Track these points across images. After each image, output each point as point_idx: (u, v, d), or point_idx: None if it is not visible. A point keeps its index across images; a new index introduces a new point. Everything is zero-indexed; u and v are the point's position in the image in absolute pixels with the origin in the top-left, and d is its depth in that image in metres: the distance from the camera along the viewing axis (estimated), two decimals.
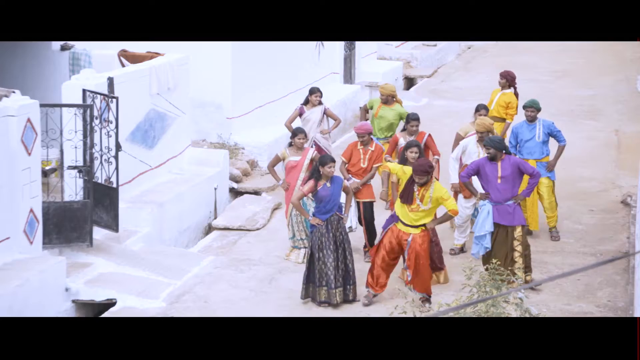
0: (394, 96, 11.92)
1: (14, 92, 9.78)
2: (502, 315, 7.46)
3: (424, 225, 9.14)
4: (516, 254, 9.43)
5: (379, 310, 9.28)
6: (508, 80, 12.38)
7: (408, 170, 9.08)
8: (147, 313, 9.60)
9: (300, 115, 12.42)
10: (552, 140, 11.24)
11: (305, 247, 10.64)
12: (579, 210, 12.11)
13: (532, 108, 10.94)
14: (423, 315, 8.29)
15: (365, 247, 10.55)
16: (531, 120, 10.98)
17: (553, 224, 11.10)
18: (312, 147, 11.55)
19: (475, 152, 10.42)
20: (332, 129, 12.54)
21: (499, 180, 9.41)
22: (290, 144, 10.90)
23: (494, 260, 8.34)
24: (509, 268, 8.86)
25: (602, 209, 12.49)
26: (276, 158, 10.99)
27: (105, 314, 9.71)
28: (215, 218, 12.63)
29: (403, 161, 9.85)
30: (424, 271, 9.19)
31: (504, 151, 9.55)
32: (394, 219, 9.26)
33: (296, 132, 10.77)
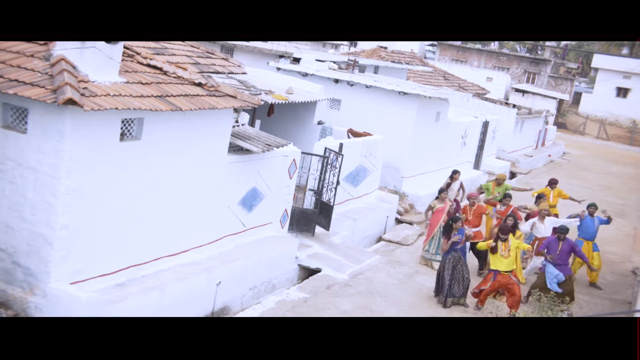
0: (504, 179, 15.97)
1: (289, 143, 12.29)
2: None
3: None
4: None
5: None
6: (556, 184, 16.36)
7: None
8: (338, 281, 11.70)
9: (448, 185, 15.54)
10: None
11: (436, 260, 13.61)
12: (604, 272, 14.75)
13: (593, 207, 14.89)
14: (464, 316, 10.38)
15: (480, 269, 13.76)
16: (591, 214, 14.75)
17: (593, 280, 14.68)
18: (451, 201, 14.89)
19: (541, 227, 14.16)
20: (463, 196, 15.88)
21: (558, 252, 12.98)
22: (436, 197, 14.36)
23: (552, 293, 11.90)
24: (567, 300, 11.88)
25: (618, 273, 15.13)
26: (429, 207, 14.26)
27: (312, 278, 11.76)
28: (384, 233, 15.56)
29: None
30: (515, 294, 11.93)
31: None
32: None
33: (441, 191, 14.28)
